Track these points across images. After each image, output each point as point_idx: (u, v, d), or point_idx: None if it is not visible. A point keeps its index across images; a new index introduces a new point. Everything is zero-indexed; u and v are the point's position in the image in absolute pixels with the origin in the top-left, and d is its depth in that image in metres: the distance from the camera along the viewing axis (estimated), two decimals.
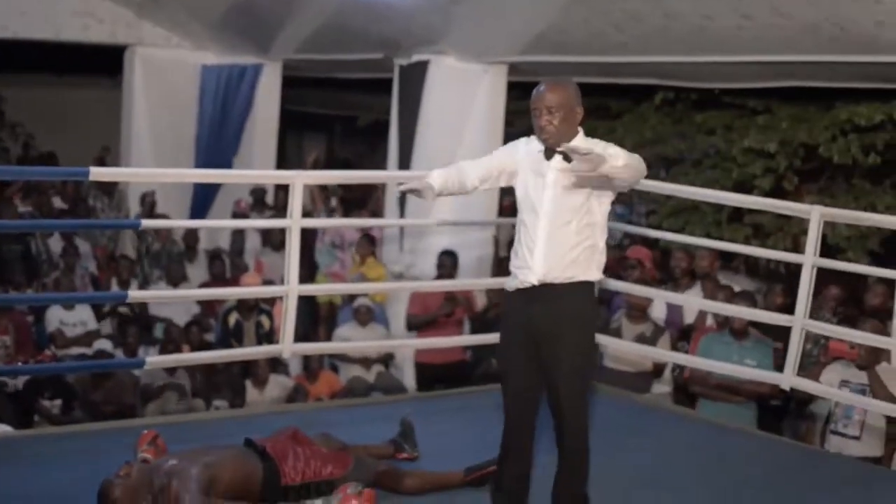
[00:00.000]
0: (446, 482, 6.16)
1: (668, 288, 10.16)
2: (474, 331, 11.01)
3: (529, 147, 5.58)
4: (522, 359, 5.50)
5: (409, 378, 11.72)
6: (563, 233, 5.41)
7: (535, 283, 5.43)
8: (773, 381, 7.90)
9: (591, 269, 5.51)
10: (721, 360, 8.37)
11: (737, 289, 9.79)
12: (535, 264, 5.43)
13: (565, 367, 5.38)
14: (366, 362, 11.50)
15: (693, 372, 9.10)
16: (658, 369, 9.53)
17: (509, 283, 5.57)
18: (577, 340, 5.44)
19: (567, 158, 5.33)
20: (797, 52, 9.81)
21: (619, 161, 5.16)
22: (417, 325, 11.15)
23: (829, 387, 7.88)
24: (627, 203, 15.20)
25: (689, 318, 10.07)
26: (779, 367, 8.08)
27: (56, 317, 11.47)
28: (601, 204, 5.49)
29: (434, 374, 11.11)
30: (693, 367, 8.83)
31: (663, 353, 9.13)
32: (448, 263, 11.32)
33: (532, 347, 5.45)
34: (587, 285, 5.51)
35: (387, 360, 11.82)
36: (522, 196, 5.55)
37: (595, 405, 6.97)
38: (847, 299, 10.13)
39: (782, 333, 8.38)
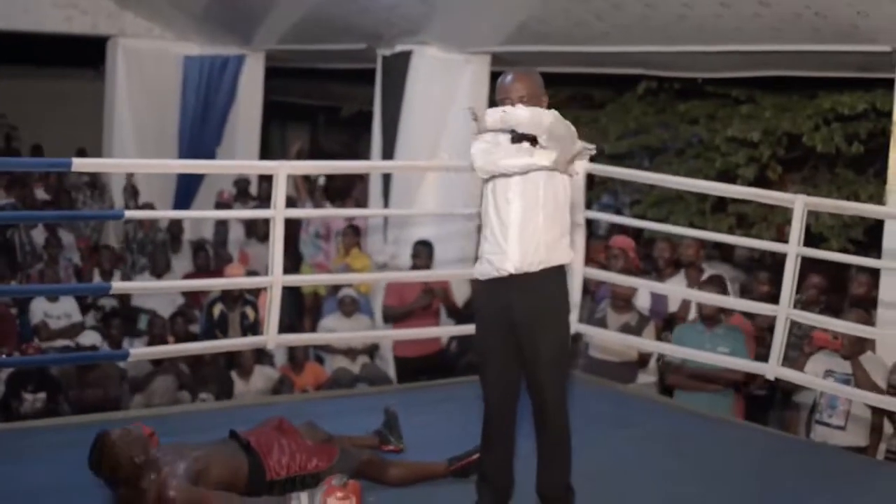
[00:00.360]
0: (430, 472, 6.16)
1: (652, 277, 10.17)
2: (459, 321, 10.99)
3: (497, 137, 5.60)
4: (500, 347, 5.50)
5: (392, 370, 11.72)
6: (534, 217, 5.42)
7: (512, 270, 5.43)
8: (758, 370, 7.90)
9: (561, 250, 5.51)
10: (694, 349, 8.38)
11: (706, 275, 9.77)
12: (510, 250, 5.43)
13: (545, 357, 5.40)
14: (351, 353, 11.49)
15: (667, 363, 9.12)
16: (643, 359, 9.52)
17: (482, 271, 5.56)
18: (555, 328, 5.48)
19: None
20: (778, 41, 9.83)
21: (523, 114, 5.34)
22: (394, 316, 11.11)
23: (815, 377, 7.89)
24: (612, 192, 15.22)
25: (674, 308, 10.07)
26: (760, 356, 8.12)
27: (40, 309, 11.45)
28: (565, 185, 5.52)
29: (413, 367, 11.09)
30: (673, 356, 8.85)
31: (645, 342, 9.13)
32: (424, 253, 11.27)
33: (510, 336, 5.46)
34: (560, 270, 5.52)
35: (372, 351, 11.81)
36: (491, 183, 5.54)
37: (580, 395, 6.99)
38: (830, 289, 10.14)
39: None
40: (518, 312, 5.42)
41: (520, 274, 5.42)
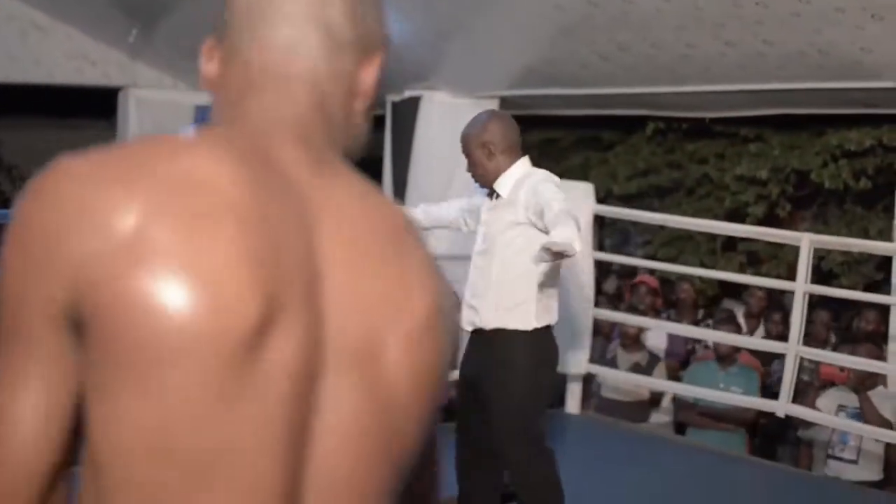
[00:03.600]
0: None
1: (672, 317, 10.21)
2: None
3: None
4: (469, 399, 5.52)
5: None
6: (489, 271, 5.44)
7: (469, 327, 5.47)
8: (768, 408, 7.93)
9: (528, 316, 5.39)
10: (707, 388, 8.41)
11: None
12: (465, 307, 5.48)
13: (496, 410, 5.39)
14: None
15: (680, 401, 9.16)
16: (655, 398, 9.56)
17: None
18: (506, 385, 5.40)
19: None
20: (783, 79, 9.87)
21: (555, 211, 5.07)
22: None
23: (827, 412, 7.92)
24: (624, 232, 15.26)
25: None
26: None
27: None
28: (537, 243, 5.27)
29: None
30: (684, 395, 8.89)
31: (656, 381, 9.16)
32: None
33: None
34: (520, 335, 5.40)
35: None
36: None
37: (592, 435, 7.03)
38: (841, 324, 10.17)
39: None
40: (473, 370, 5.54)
41: (476, 330, 5.51)
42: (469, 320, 5.46)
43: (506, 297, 5.37)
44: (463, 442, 5.53)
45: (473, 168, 5.48)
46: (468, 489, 5.55)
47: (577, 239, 4.82)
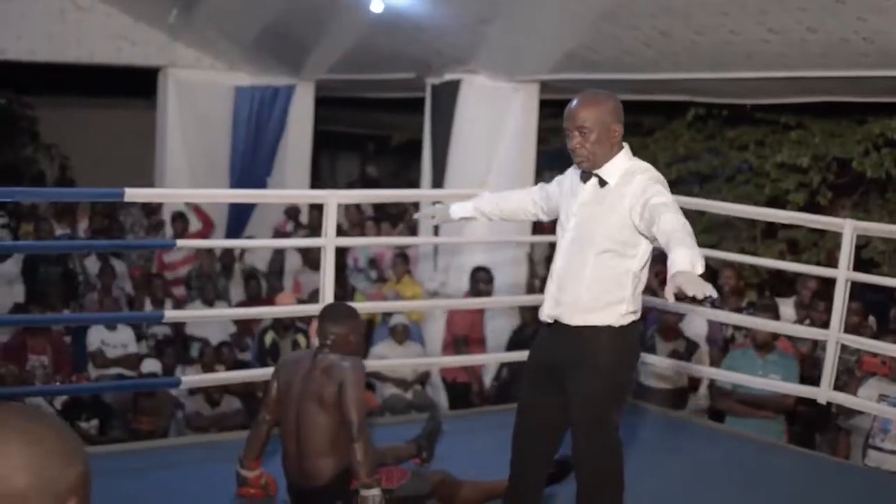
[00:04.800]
0: (501, 491, 6.13)
1: (716, 304, 10.18)
2: (509, 348, 11.01)
3: (574, 173, 5.30)
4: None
5: (443, 396, 11.74)
6: (581, 266, 5.12)
7: (549, 320, 5.26)
8: (809, 395, 7.88)
9: (617, 314, 5.11)
10: (746, 375, 8.36)
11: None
12: (548, 297, 5.26)
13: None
14: (402, 382, 11.50)
15: (719, 388, 9.12)
16: (694, 384, 9.52)
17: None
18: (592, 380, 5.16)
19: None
20: (826, 67, 9.81)
21: (670, 223, 4.75)
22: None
23: (868, 401, 7.87)
24: None
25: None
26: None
27: (98, 337, 11.51)
28: (637, 243, 5.07)
29: (464, 393, 11.19)
30: (722, 382, 8.85)
31: (696, 367, 9.13)
32: (484, 279, 11.35)
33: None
34: (607, 330, 5.11)
35: (423, 379, 11.81)
36: (558, 220, 5.32)
37: (631, 423, 7.00)
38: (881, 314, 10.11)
39: None
40: (554, 359, 5.32)
41: (556, 323, 5.26)
42: (550, 314, 5.23)
43: (598, 297, 5.08)
44: (523, 428, 5.44)
45: (589, 146, 5.06)
46: (519, 473, 5.50)
47: (699, 261, 4.52)
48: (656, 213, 4.81)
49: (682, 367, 9.08)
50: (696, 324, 9.85)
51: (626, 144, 5.18)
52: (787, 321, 9.34)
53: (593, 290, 5.07)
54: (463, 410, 10.05)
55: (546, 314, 5.26)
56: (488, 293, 11.21)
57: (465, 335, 11.56)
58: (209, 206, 14.87)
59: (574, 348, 5.13)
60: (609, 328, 5.08)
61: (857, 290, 8.43)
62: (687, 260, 4.49)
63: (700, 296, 4.41)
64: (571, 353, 5.13)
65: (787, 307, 10.12)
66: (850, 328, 8.27)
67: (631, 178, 5.04)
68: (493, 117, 12.57)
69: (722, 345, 10.02)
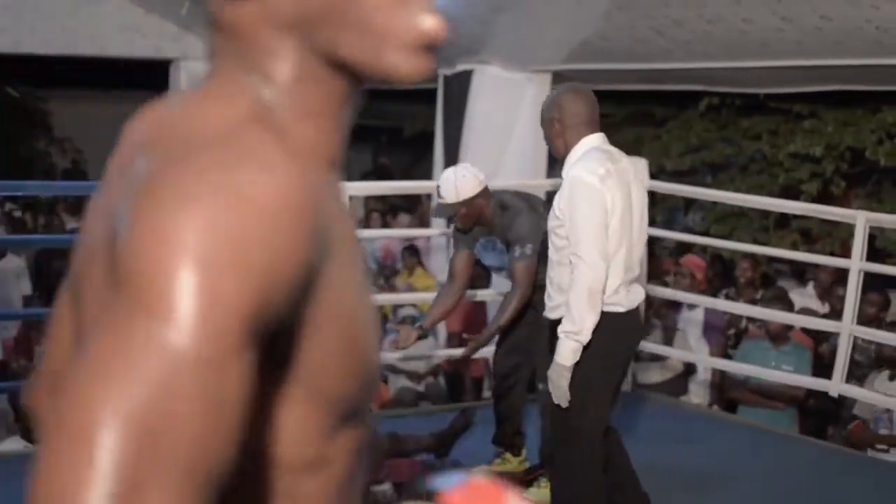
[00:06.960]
0: None
1: (730, 295, 10.18)
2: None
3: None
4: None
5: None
6: None
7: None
8: (821, 387, 7.86)
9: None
10: (759, 366, 8.35)
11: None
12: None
13: None
14: (414, 374, 11.48)
15: (731, 378, 9.11)
16: (690, 369, 9.56)
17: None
18: None
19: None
20: (840, 55, 9.78)
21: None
22: None
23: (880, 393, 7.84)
24: (677, 209, 15.18)
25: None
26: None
27: None
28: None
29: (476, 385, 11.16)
30: (736, 372, 8.85)
31: (705, 358, 9.14)
32: None
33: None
34: None
35: (436, 371, 11.78)
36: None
37: (636, 413, 6.99)
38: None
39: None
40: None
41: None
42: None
43: None
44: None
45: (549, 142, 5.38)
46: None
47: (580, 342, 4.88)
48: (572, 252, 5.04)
49: (668, 352, 9.11)
50: (696, 313, 9.84)
51: (587, 136, 5.21)
52: (806, 309, 9.34)
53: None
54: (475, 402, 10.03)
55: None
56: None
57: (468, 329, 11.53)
58: None
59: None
60: None
61: (878, 281, 8.42)
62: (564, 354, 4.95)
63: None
64: None
65: (804, 297, 10.11)
66: (865, 319, 8.27)
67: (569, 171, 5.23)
68: (505, 108, 12.54)
69: (728, 335, 10.00)
